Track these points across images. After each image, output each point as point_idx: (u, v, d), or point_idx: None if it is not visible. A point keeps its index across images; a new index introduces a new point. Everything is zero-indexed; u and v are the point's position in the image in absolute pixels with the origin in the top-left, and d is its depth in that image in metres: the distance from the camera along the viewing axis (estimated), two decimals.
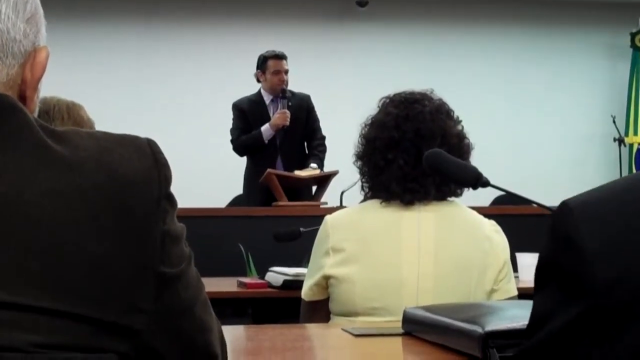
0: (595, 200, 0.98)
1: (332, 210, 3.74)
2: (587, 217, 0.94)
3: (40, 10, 1.11)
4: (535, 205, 2.15)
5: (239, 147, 6.02)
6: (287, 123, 5.87)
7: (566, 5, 8.95)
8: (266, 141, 5.92)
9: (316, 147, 6.05)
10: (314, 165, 5.85)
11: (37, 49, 1.09)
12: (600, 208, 0.95)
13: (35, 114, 1.09)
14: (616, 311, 0.88)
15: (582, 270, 0.91)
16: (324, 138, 6.10)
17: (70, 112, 2.65)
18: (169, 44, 8.44)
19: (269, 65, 6.05)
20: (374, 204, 2.32)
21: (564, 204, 0.98)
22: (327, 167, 5.76)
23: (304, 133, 6.07)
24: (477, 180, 2.11)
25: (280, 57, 6.07)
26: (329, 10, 8.75)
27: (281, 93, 5.99)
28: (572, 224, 0.94)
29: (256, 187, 5.76)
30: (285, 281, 3.45)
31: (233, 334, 1.81)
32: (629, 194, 0.96)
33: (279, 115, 5.88)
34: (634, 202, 0.94)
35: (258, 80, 6.13)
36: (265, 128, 5.90)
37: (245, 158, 6.16)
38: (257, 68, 6.12)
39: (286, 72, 6.04)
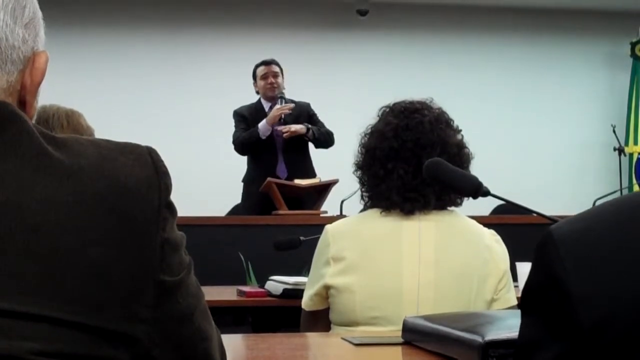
0: (583, 233, 0.93)
1: (332, 219, 3.75)
2: (574, 256, 0.91)
3: (39, 13, 1.11)
4: (535, 214, 2.15)
5: (238, 144, 6.05)
6: (285, 112, 5.90)
7: (566, 15, 8.97)
8: (262, 137, 5.92)
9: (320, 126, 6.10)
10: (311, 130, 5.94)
11: (36, 54, 1.09)
12: (588, 243, 0.92)
13: (34, 120, 1.09)
14: (601, 353, 0.87)
15: (568, 311, 0.89)
16: (333, 135, 6.12)
17: (70, 120, 2.66)
18: (170, 52, 8.45)
19: (258, 72, 6.14)
20: (374, 213, 2.32)
21: (549, 236, 0.94)
22: (327, 176, 5.76)
23: (306, 139, 6.08)
24: (478, 190, 2.11)
25: (267, 62, 6.14)
26: (329, 19, 8.77)
27: (274, 100, 6.01)
28: (558, 262, 0.91)
29: (254, 193, 5.78)
30: (285, 290, 3.45)
31: (233, 343, 1.81)
32: (620, 227, 0.92)
33: (276, 108, 5.92)
34: (624, 237, 0.91)
35: (257, 92, 6.17)
36: (262, 124, 5.93)
37: (245, 164, 6.17)
38: (252, 79, 6.18)
39: (275, 75, 6.08)
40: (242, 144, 6.02)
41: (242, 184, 6.18)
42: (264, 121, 5.91)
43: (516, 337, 1.46)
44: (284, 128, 5.90)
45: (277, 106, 5.95)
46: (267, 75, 6.07)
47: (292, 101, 6.14)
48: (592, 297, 0.88)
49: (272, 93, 6.05)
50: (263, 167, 5.92)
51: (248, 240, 4.72)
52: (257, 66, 6.17)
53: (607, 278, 0.89)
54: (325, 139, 6.05)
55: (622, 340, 0.86)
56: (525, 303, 0.99)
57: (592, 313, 0.88)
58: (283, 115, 5.93)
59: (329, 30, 8.76)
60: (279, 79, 6.09)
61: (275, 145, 6.01)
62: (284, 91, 6.14)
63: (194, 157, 8.04)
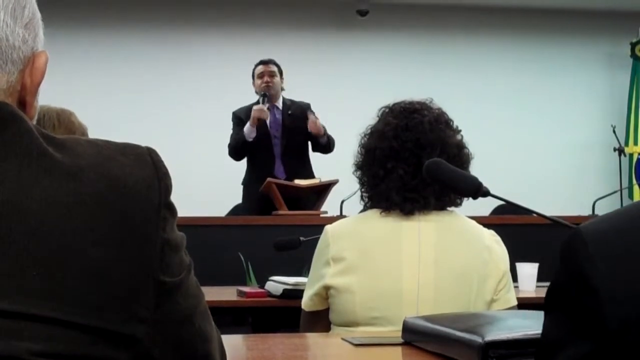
0: (611, 232, 0.93)
1: (332, 219, 3.74)
2: (603, 255, 0.90)
3: (38, 14, 1.11)
4: (535, 215, 2.14)
5: (229, 151, 6.08)
6: (264, 116, 5.89)
7: (566, 15, 8.97)
8: (248, 139, 5.92)
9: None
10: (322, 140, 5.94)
11: (35, 54, 1.09)
12: (617, 242, 0.91)
13: (35, 120, 1.09)
14: (628, 353, 0.86)
15: (596, 309, 0.89)
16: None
17: (61, 119, 2.64)
18: (170, 52, 8.44)
19: (255, 72, 6.17)
20: (374, 213, 2.32)
21: (578, 234, 0.94)
22: (327, 176, 5.76)
23: (305, 140, 6.07)
24: (477, 190, 2.11)
25: (264, 62, 6.16)
26: (329, 20, 8.76)
27: (261, 97, 6.00)
28: (587, 260, 0.91)
29: (254, 195, 5.78)
30: (285, 290, 3.45)
31: (232, 343, 1.81)
32: None
33: (255, 108, 5.91)
34: None
35: (256, 92, 6.17)
36: (247, 126, 5.94)
37: (245, 166, 6.17)
38: (252, 79, 6.20)
39: (271, 74, 6.08)
40: (232, 150, 6.06)
41: (242, 185, 6.19)
42: (248, 123, 5.92)
43: (516, 337, 1.46)
44: (312, 118, 5.89)
45: (258, 106, 5.94)
46: (263, 75, 6.09)
47: (292, 101, 6.14)
48: (620, 296, 0.88)
49: (268, 92, 6.04)
50: (259, 170, 5.93)
51: (248, 241, 4.72)
52: (255, 65, 6.19)
53: (634, 277, 0.89)
54: (330, 147, 6.05)
55: None
56: (550, 301, 0.98)
57: (619, 312, 0.87)
58: (266, 116, 5.90)
59: (329, 30, 8.76)
60: (276, 79, 6.09)
61: (273, 150, 6.01)
62: (283, 92, 6.15)
63: (194, 157, 8.03)
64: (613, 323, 0.87)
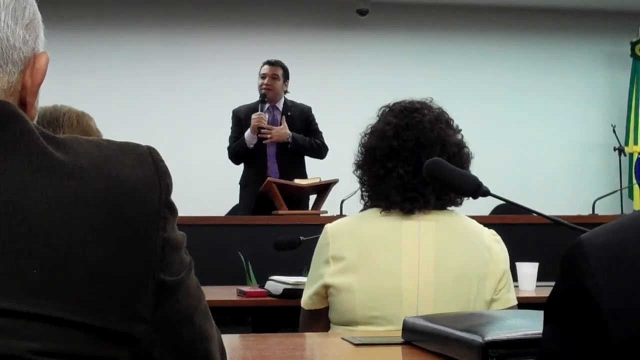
0: (613, 245, 0.91)
1: (332, 219, 3.75)
2: (605, 270, 0.89)
3: (39, 15, 1.11)
4: (535, 214, 2.14)
5: (230, 156, 6.08)
6: (262, 124, 5.87)
7: (566, 14, 8.97)
8: (250, 146, 5.92)
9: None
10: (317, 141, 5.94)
11: (36, 55, 1.09)
12: (619, 256, 0.89)
13: (35, 120, 1.09)
14: None
15: (599, 326, 0.87)
16: (327, 149, 6.10)
17: (80, 121, 2.66)
18: (170, 52, 8.44)
19: (261, 70, 6.13)
20: (374, 212, 2.32)
21: (579, 246, 0.92)
22: (327, 176, 5.76)
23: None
24: (477, 190, 2.11)
25: (270, 63, 6.12)
26: (329, 19, 8.76)
27: (261, 97, 6.00)
28: (589, 276, 0.89)
29: (249, 194, 5.78)
30: (285, 290, 3.45)
31: (232, 343, 1.81)
32: None
33: (254, 117, 5.90)
34: None
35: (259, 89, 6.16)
36: (247, 133, 5.93)
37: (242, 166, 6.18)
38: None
39: (274, 77, 6.05)
40: (234, 156, 6.06)
41: (239, 185, 6.19)
42: (248, 130, 5.91)
43: (516, 337, 1.46)
44: (267, 133, 5.89)
45: (256, 114, 5.91)
46: (265, 75, 6.07)
47: (292, 102, 6.13)
48: (623, 312, 0.86)
49: (262, 93, 6.03)
50: (253, 171, 5.92)
51: (248, 240, 4.72)
52: (262, 64, 6.15)
53: (636, 292, 0.87)
54: (312, 150, 6.03)
55: None
56: (550, 311, 0.97)
57: (623, 330, 0.86)
58: (264, 123, 5.89)
59: (329, 30, 8.76)
60: (277, 83, 6.05)
61: (266, 151, 5.99)
62: (287, 94, 6.13)
63: (194, 157, 8.04)
64: (616, 341, 0.86)
